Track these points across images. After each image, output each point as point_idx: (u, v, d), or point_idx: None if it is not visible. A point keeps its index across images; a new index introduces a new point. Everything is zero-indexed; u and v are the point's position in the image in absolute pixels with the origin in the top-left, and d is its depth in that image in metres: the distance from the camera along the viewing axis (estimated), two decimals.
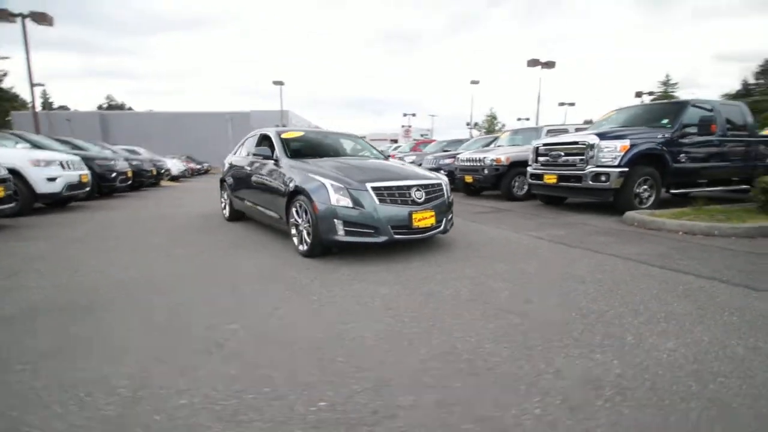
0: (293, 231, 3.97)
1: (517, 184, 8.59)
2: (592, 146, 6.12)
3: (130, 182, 10.52)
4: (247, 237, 4.80)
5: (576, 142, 6.36)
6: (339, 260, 3.62)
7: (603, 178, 5.97)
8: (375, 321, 2.30)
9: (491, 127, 42.93)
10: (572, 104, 35.48)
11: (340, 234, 3.46)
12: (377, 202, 3.48)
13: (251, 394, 1.60)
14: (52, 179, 6.97)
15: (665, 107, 6.84)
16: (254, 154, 4.57)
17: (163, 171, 14.45)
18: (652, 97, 48.51)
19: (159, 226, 5.72)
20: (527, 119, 44.28)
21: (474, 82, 31.13)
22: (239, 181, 5.43)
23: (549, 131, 8.94)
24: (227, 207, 5.99)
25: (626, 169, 5.87)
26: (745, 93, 65.90)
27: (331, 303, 2.60)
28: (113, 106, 67.76)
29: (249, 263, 3.61)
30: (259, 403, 1.53)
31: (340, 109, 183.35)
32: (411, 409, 1.49)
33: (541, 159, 7.06)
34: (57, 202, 7.51)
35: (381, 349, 1.96)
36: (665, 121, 6.40)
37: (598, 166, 6.03)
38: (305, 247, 3.76)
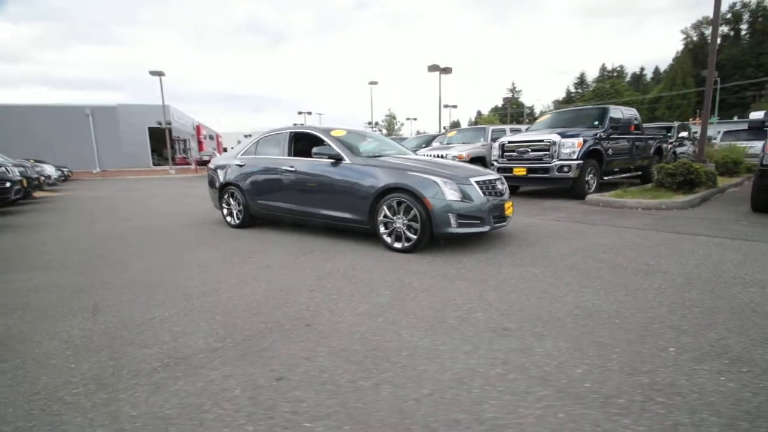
0: (382, 229, 3.99)
1: None
2: (554, 143, 7.42)
3: (22, 193, 8.23)
4: (301, 242, 4.51)
5: (541, 140, 7.60)
6: (439, 253, 3.82)
7: (566, 169, 7.30)
8: (576, 290, 2.68)
9: (391, 126, 45.21)
10: (455, 106, 39.86)
11: (453, 226, 3.67)
12: (482, 194, 3.80)
13: (604, 355, 1.86)
14: None
15: (592, 111, 8.64)
16: (315, 154, 4.33)
17: (43, 179, 11.49)
18: (505, 102, 57.08)
19: (166, 241, 4.88)
20: (415, 119, 48.05)
21: (372, 83, 32.38)
22: (267, 185, 5.00)
23: (494, 130, 10.27)
24: (238, 213, 5.40)
25: (581, 162, 7.29)
26: (568, 100, 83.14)
27: (513, 285, 2.86)
28: None
29: (364, 264, 3.52)
30: (626, 356, 1.82)
31: (209, 104, 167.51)
32: (735, 335, 1.98)
33: (507, 154, 8.16)
34: None
35: (626, 308, 2.37)
36: (596, 122, 8.13)
37: (561, 160, 7.35)
38: (404, 244, 3.84)
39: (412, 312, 2.45)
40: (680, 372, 1.70)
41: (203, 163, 28.68)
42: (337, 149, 4.35)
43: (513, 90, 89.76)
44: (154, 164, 29.92)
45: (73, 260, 4.02)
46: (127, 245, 4.69)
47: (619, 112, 8.55)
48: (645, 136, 9.20)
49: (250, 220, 5.38)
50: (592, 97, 70.96)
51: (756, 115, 6.03)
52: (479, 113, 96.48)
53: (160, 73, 25.44)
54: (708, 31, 55.83)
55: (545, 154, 7.53)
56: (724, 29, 56.16)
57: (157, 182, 18.78)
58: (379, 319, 2.36)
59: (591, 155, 7.55)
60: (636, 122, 8.71)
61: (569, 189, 7.53)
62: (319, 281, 3.10)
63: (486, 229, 3.81)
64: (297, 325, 2.30)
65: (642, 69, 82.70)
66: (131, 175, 24.63)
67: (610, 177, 8.32)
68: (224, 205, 5.60)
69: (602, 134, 7.77)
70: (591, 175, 7.65)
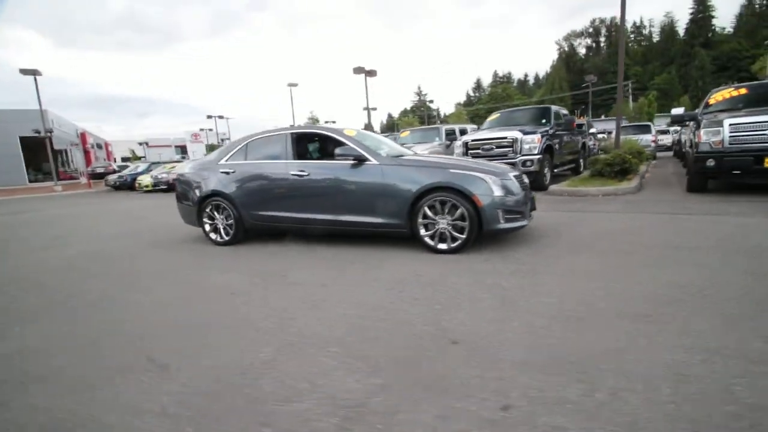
0: (423, 231, 3.81)
1: None
2: (516, 140, 7.94)
3: None
4: (323, 253, 4.08)
5: (505, 137, 8.07)
6: (483, 251, 3.79)
7: (529, 164, 7.87)
8: (651, 271, 2.84)
9: None
10: (375, 109, 40.34)
11: (502, 222, 3.66)
12: (521, 189, 3.85)
13: (744, 327, 2.00)
14: None
15: (539, 111, 9.46)
16: (338, 155, 3.94)
17: None
18: (418, 104, 59.86)
19: (148, 268, 4.02)
20: (334, 122, 47.80)
21: (292, 85, 31.17)
22: (269, 193, 4.43)
23: (446, 130, 10.64)
24: (227, 228, 4.69)
25: (541, 156, 7.93)
26: (468, 103, 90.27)
27: (596, 273, 2.94)
28: None
29: (423, 269, 3.31)
30: (758, 323, 1.98)
31: (81, 109, 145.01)
32: None
33: (471, 152, 8.50)
34: None
35: (701, 281, 2.59)
36: (543, 120, 8.91)
37: (524, 155, 7.90)
38: (450, 244, 3.72)
39: (534, 312, 2.35)
40: None
41: (98, 176, 24.69)
42: (360, 150, 4.04)
43: (420, 93, 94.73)
44: (31, 180, 24.70)
45: (38, 305, 3.07)
46: (93, 277, 3.76)
47: (558, 111, 9.52)
48: (575, 132, 10.38)
49: (242, 235, 4.72)
50: (489, 100, 78.21)
51: (677, 110, 7.29)
52: (390, 116, 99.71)
53: (34, 72, 21.08)
54: (576, 42, 65.27)
55: (509, 150, 8.02)
56: (588, 41, 66.63)
57: (46, 202, 15.57)
58: (514, 324, 2.22)
59: (545, 150, 8.25)
60: (573, 120, 9.76)
61: (532, 182, 8.11)
62: (399, 293, 2.82)
63: (526, 222, 3.87)
64: (442, 345, 2.04)
65: (526, 75, 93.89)
66: (1, 195, 19.97)
67: (557, 170, 9.21)
68: (206, 219, 4.82)
69: (551, 131, 8.55)
70: (547, 168, 8.36)
